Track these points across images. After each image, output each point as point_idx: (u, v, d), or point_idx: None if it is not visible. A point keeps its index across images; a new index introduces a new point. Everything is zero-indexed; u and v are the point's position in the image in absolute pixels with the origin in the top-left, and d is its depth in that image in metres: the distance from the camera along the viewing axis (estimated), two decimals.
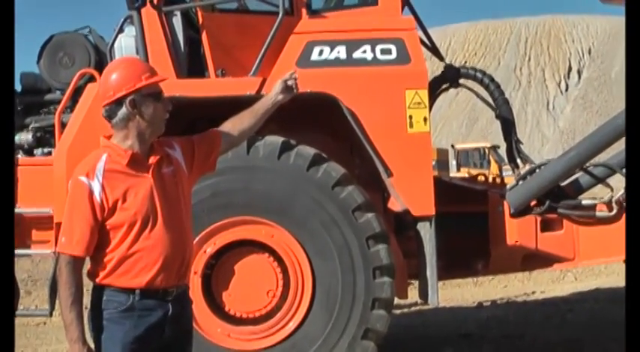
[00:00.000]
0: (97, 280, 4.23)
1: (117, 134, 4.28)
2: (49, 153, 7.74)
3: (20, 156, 7.82)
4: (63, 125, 7.41)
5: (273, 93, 4.76)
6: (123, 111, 4.22)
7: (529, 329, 10.56)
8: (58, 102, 7.78)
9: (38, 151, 7.92)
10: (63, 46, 8.15)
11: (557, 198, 7.83)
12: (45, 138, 7.98)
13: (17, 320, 12.62)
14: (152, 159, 4.28)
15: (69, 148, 7.12)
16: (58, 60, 8.11)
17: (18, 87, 8.45)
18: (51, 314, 7.71)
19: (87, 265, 4.26)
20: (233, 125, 4.69)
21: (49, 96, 8.24)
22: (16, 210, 7.53)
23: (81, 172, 4.19)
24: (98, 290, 4.24)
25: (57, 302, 7.08)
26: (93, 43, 8.22)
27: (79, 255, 4.15)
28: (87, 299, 4.23)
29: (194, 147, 4.52)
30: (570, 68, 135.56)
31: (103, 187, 4.14)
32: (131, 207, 4.16)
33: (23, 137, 7.97)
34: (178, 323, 4.32)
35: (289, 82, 4.76)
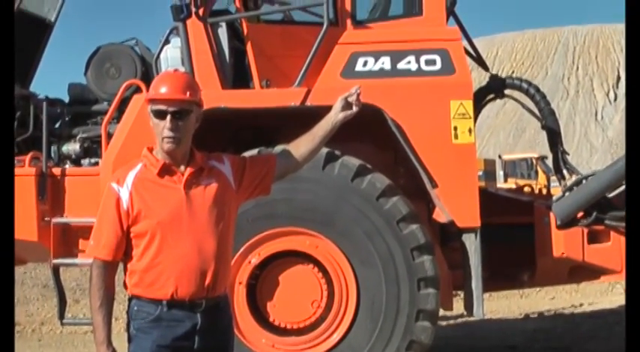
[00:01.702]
0: (129, 291, 4.29)
1: (155, 145, 4.33)
2: (96, 164, 7.83)
3: (68, 166, 7.91)
4: (109, 135, 7.48)
5: (332, 113, 4.68)
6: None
7: (576, 341, 10.46)
8: (105, 112, 7.86)
9: (85, 161, 8.00)
10: (110, 57, 8.24)
11: (604, 210, 7.75)
12: (92, 149, 8.06)
13: (65, 329, 12.85)
14: (187, 171, 4.28)
15: (115, 158, 7.17)
16: (105, 71, 8.20)
17: (66, 97, 8.56)
18: None
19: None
20: (291, 149, 4.66)
21: (96, 107, 8.33)
22: (64, 220, 7.63)
23: (113, 179, 4.28)
24: (130, 301, 4.31)
25: None
26: (139, 55, 8.30)
27: (105, 258, 4.21)
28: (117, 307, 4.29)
29: (246, 167, 4.50)
30: (619, 78, 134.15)
31: (130, 195, 4.20)
32: (155, 217, 4.19)
33: (71, 147, 8.06)
34: (211, 336, 4.30)
35: (350, 99, 4.67)
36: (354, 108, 4.70)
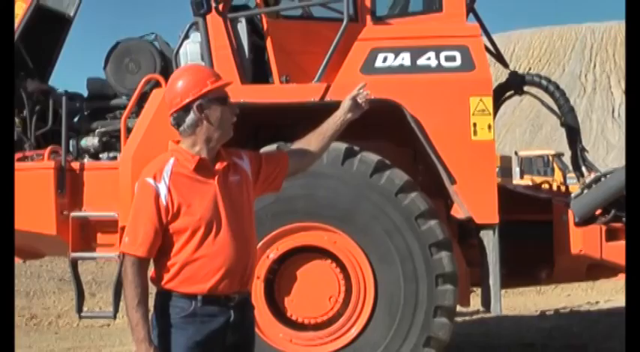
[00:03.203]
0: (160, 285, 4.25)
1: (185, 140, 4.30)
2: (115, 158, 7.85)
3: (86, 161, 7.93)
4: (129, 130, 7.50)
5: (341, 112, 4.71)
6: (191, 117, 4.24)
7: (593, 339, 10.42)
8: (124, 107, 7.88)
9: (104, 156, 8.03)
10: (129, 52, 8.27)
11: (622, 207, 7.72)
12: (111, 143, 8.08)
13: (81, 322, 12.89)
14: (219, 166, 4.29)
15: (134, 153, 7.19)
16: (124, 66, 8.22)
17: (85, 92, 8.59)
18: (115, 317, 7.80)
19: (151, 269, 4.29)
20: (301, 148, 4.69)
21: (115, 102, 8.36)
22: (82, 214, 7.66)
23: (148, 174, 4.22)
24: (161, 296, 4.26)
25: (121, 304, 7.19)
26: (158, 49, 8.32)
27: (142, 255, 4.16)
28: (151, 304, 4.27)
29: (262, 163, 4.52)
30: None
31: (169, 190, 4.16)
32: (196, 213, 4.17)
33: (89, 141, 8.09)
34: (240, 329, 4.32)
35: (358, 98, 4.72)
36: (364, 106, 4.74)
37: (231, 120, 4.34)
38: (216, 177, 4.27)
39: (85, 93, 8.60)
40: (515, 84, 8.57)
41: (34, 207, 7.59)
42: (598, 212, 7.79)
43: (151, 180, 4.19)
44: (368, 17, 7.65)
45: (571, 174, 15.78)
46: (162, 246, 4.20)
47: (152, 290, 4.25)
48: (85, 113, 8.46)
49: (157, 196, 4.16)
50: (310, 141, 4.71)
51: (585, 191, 7.86)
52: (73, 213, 7.62)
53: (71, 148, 8.06)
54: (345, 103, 4.73)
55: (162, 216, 4.16)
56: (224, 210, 4.22)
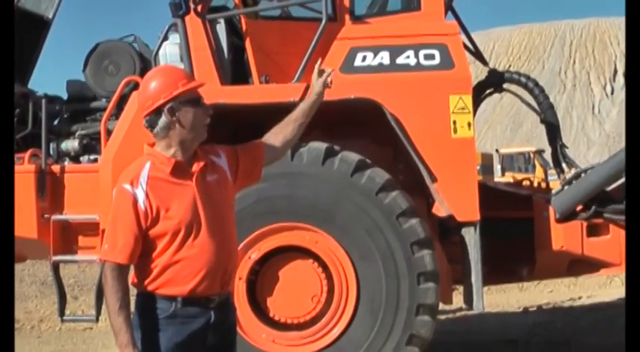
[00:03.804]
0: (141, 287, 4.24)
1: (159, 143, 4.29)
2: (95, 160, 7.82)
3: (67, 163, 7.91)
4: (109, 132, 7.48)
5: (311, 96, 4.80)
6: (163, 119, 4.23)
7: (576, 335, 10.47)
8: (104, 109, 7.86)
9: (84, 158, 8.00)
10: (108, 54, 8.24)
11: (603, 203, 7.76)
12: (91, 145, 8.06)
13: (64, 326, 12.85)
14: (195, 167, 4.28)
15: (115, 155, 7.17)
16: (104, 68, 8.20)
17: (64, 94, 8.56)
18: (97, 320, 7.79)
19: (131, 272, 4.28)
20: (276, 135, 4.69)
21: (94, 104, 8.33)
22: (63, 217, 7.64)
23: (125, 180, 4.20)
24: (141, 297, 4.26)
25: (103, 307, 7.17)
26: (138, 51, 8.30)
27: (122, 262, 4.15)
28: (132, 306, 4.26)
29: (239, 156, 4.52)
30: (616, 71, 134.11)
31: (147, 195, 4.15)
32: (175, 216, 4.16)
33: (69, 144, 8.06)
34: (221, 330, 4.33)
35: (328, 78, 4.82)
36: (330, 85, 4.87)
37: (204, 121, 4.33)
38: (194, 179, 4.26)
39: (65, 96, 8.57)
40: (495, 81, 8.59)
41: (15, 210, 7.55)
42: (579, 208, 7.82)
43: (128, 186, 4.17)
44: (347, 16, 7.66)
45: (552, 171, 15.82)
46: (142, 250, 4.19)
47: (133, 292, 4.25)
48: (65, 116, 8.43)
49: (135, 202, 4.14)
50: (284, 128, 4.72)
51: (566, 187, 7.89)
52: (54, 216, 7.60)
53: (51, 151, 8.03)
54: (315, 87, 4.81)
55: (142, 221, 4.14)
56: (203, 212, 4.21)
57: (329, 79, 4.84)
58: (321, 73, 4.86)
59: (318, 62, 5.02)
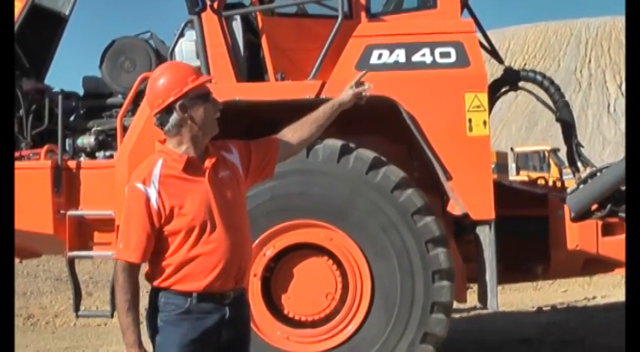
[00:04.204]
0: (155, 283, 4.25)
1: (171, 140, 4.28)
2: (111, 156, 7.84)
3: (83, 159, 7.93)
4: (125, 128, 7.50)
5: (338, 100, 4.72)
6: (174, 117, 4.22)
7: (590, 334, 10.43)
8: (120, 105, 7.88)
9: (100, 154, 8.02)
10: (124, 50, 8.26)
11: (618, 202, 7.73)
12: (107, 142, 8.08)
13: (78, 321, 12.89)
14: (207, 163, 4.27)
15: (130, 151, 7.19)
16: (120, 64, 8.22)
17: (80, 90, 8.59)
18: (112, 316, 7.80)
19: (145, 266, 4.29)
20: (293, 133, 4.65)
21: (110, 100, 8.36)
22: (79, 212, 7.66)
23: (137, 179, 4.19)
24: (156, 293, 4.26)
25: None
26: (154, 48, 8.32)
27: (135, 261, 4.16)
28: (144, 301, 4.27)
29: (251, 152, 4.50)
30: None
31: (159, 194, 4.14)
32: (188, 213, 4.16)
33: (85, 140, 8.08)
34: (235, 326, 4.33)
35: (360, 89, 4.73)
36: (362, 101, 4.77)
37: (214, 116, 4.32)
38: (206, 175, 4.25)
39: (81, 92, 8.60)
40: (511, 80, 8.57)
41: (31, 206, 7.58)
42: (594, 207, 7.80)
43: (140, 185, 4.16)
44: (362, 14, 7.65)
45: (567, 170, 15.78)
46: (157, 247, 4.20)
47: (146, 288, 4.26)
48: (81, 112, 8.46)
49: (148, 201, 4.14)
50: (302, 126, 4.68)
51: (581, 186, 7.87)
52: (70, 212, 7.62)
53: (67, 147, 8.07)
54: (345, 93, 4.74)
55: (155, 220, 4.15)
56: (216, 208, 4.21)
57: (364, 94, 4.75)
58: (359, 84, 4.78)
59: (364, 71, 4.94)
